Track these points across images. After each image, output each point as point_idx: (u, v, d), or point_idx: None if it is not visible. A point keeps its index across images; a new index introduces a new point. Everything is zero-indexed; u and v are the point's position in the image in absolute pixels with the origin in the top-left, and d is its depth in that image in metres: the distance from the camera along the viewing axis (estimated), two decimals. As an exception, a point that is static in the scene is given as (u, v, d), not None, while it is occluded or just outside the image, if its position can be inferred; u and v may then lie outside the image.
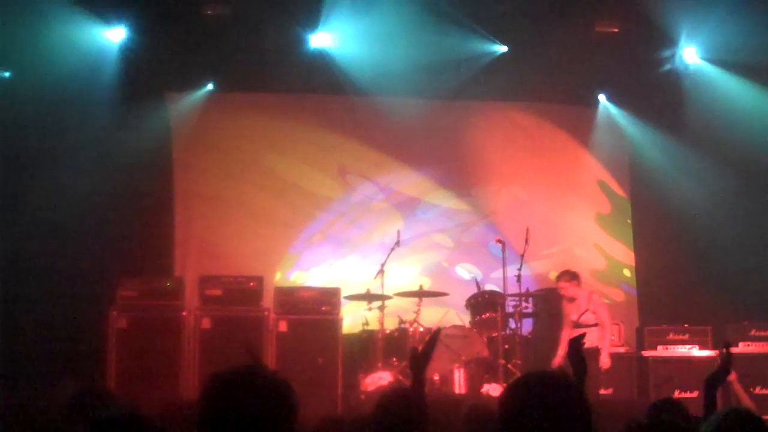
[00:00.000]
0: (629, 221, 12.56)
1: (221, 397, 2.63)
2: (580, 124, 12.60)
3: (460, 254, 12.11)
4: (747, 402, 8.51)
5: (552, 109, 12.47)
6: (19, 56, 10.23)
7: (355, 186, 12.09)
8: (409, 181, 12.18)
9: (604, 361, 9.08)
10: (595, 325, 9.21)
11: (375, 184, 12.10)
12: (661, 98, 11.78)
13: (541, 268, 11.78)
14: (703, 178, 11.30)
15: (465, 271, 11.94)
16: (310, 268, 11.79)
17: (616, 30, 10.94)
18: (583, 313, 9.23)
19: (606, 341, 9.24)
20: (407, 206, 12.10)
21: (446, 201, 12.22)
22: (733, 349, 9.97)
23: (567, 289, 9.36)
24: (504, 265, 10.03)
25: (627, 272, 12.44)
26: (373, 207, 12.07)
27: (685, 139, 11.42)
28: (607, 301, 11.91)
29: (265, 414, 2.61)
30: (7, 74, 10.69)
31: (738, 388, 8.92)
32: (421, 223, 12.08)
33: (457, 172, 12.29)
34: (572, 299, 9.35)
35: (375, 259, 10.59)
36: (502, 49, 11.24)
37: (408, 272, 11.60)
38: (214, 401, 2.63)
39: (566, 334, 9.17)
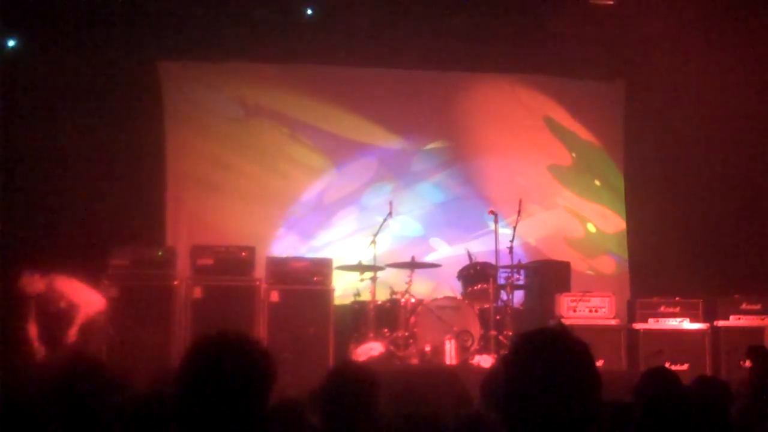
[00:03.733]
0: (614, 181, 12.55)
1: (199, 361, 2.66)
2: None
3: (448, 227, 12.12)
4: None
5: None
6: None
7: (346, 158, 12.05)
8: (399, 151, 12.15)
9: None
10: None
11: (366, 156, 12.07)
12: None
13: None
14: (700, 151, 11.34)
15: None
16: (302, 238, 11.78)
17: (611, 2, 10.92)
18: None
19: None
20: (398, 177, 12.08)
21: (435, 172, 12.20)
22: (724, 323, 10.11)
23: None
24: (496, 237, 10.04)
25: (613, 242, 12.45)
26: (364, 178, 12.03)
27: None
28: (590, 272, 12.02)
29: (242, 380, 2.64)
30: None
31: None
32: (412, 194, 12.05)
33: (449, 143, 12.28)
34: None
35: (367, 230, 10.59)
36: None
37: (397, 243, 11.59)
38: (192, 365, 2.68)
39: None
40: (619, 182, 12.54)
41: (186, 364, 2.69)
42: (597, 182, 12.54)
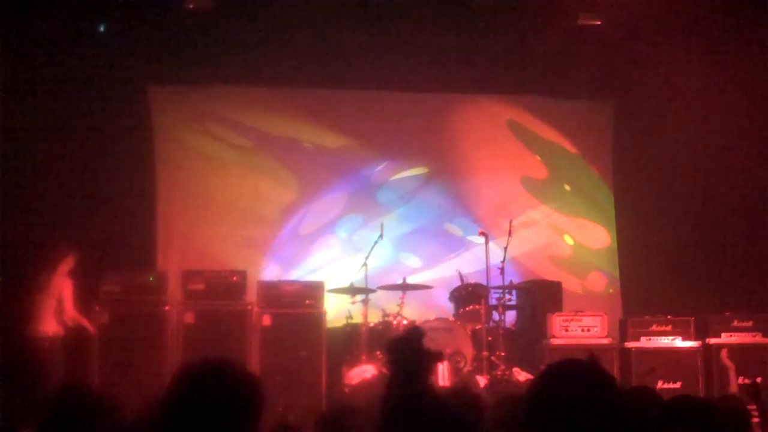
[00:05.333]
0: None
1: (185, 387, 2.66)
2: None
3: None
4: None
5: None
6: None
7: (338, 180, 12.05)
8: (393, 173, 12.16)
9: None
10: None
11: (358, 178, 12.08)
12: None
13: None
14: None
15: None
16: (293, 262, 11.77)
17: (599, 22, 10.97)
18: None
19: None
20: (391, 198, 12.08)
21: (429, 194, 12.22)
22: (715, 340, 10.12)
23: None
24: (487, 258, 10.05)
25: (602, 258, 12.46)
26: (355, 201, 12.03)
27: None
28: (581, 292, 12.02)
29: (229, 406, 2.63)
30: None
31: (732, 377, 8.92)
32: (405, 215, 12.06)
33: (442, 165, 12.30)
34: None
35: (358, 252, 10.60)
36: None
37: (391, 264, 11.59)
38: (178, 391, 2.67)
39: None
40: (607, 200, 12.55)
41: (171, 391, 2.68)
42: (583, 199, 12.52)
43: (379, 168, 12.12)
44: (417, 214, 12.08)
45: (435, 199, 12.16)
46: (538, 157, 12.47)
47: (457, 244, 12.06)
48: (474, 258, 11.49)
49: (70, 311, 9.47)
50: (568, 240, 12.40)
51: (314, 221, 11.89)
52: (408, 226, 11.99)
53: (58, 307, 9.43)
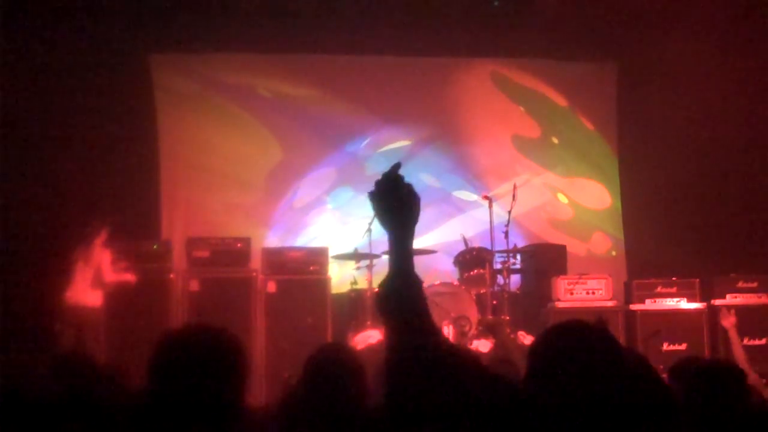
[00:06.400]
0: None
1: (167, 353, 2.65)
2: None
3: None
4: (739, 352, 8.49)
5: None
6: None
7: (341, 145, 12.02)
8: (396, 138, 12.12)
9: None
10: None
11: (361, 143, 12.05)
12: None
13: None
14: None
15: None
16: (297, 228, 11.77)
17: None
18: None
19: None
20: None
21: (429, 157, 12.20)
22: (721, 301, 10.11)
23: None
24: (491, 222, 10.03)
25: (603, 219, 12.45)
26: (359, 166, 12.01)
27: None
28: (584, 255, 12.01)
29: (212, 370, 2.63)
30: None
31: (734, 336, 8.90)
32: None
33: (441, 129, 12.26)
34: None
35: (362, 218, 10.58)
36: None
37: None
38: (161, 357, 2.68)
39: None
40: (607, 161, 12.51)
41: (155, 357, 2.68)
42: (582, 160, 12.48)
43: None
44: (414, 179, 11.99)
45: (434, 163, 12.12)
46: (534, 117, 12.43)
47: (457, 208, 12.05)
48: (473, 221, 11.49)
49: (110, 275, 9.48)
50: (563, 199, 12.37)
51: (308, 193, 11.89)
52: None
53: (96, 276, 9.46)
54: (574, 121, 12.48)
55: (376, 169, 11.56)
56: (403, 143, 12.12)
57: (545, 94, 12.41)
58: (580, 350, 2.47)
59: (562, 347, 2.50)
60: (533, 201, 12.13)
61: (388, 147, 12.08)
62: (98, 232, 9.66)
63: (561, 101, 12.43)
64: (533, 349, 2.52)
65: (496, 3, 11.19)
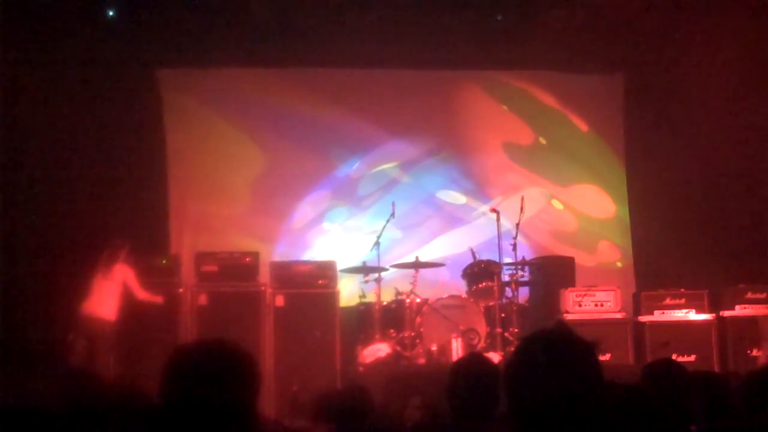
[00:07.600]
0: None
1: (179, 368, 2.68)
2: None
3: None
4: None
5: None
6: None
7: (347, 160, 12.04)
8: (398, 153, 12.14)
9: None
10: None
11: (367, 157, 12.07)
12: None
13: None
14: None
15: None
16: (305, 242, 11.78)
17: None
18: None
19: None
20: (399, 177, 12.07)
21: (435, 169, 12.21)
22: (729, 312, 10.10)
23: None
24: (499, 234, 10.02)
25: (609, 229, 12.45)
26: (366, 180, 12.03)
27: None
28: (592, 265, 12.00)
29: (225, 384, 2.65)
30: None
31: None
32: (415, 191, 12.03)
33: (444, 142, 12.27)
34: None
35: (370, 231, 10.60)
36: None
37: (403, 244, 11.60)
38: (174, 372, 2.69)
39: None
40: (616, 173, 12.51)
41: (167, 372, 2.70)
42: (590, 172, 12.48)
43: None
44: (420, 190, 12.04)
45: (439, 174, 12.15)
46: (540, 129, 12.47)
47: (462, 220, 12.06)
48: (478, 233, 11.50)
49: (140, 293, 9.48)
50: (567, 209, 12.35)
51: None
52: (408, 204, 11.87)
53: (125, 292, 9.45)
54: (580, 132, 12.49)
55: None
56: (392, 164, 12.13)
57: (552, 105, 12.42)
58: (551, 357, 2.49)
59: (528, 361, 2.52)
60: (539, 212, 12.13)
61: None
62: (120, 249, 9.66)
63: (568, 113, 12.44)
64: (504, 372, 2.55)
65: (499, 17, 11.19)
